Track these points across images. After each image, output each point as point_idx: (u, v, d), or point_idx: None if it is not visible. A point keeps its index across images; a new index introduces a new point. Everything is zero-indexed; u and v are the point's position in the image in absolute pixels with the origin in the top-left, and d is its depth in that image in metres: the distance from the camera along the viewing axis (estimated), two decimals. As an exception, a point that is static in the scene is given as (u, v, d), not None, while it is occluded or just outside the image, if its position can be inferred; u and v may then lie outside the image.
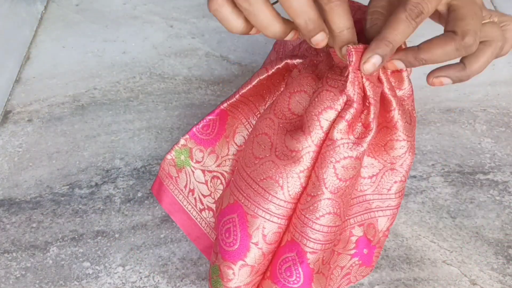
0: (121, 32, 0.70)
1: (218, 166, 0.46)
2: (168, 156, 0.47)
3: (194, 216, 0.48)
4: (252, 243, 0.40)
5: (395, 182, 0.42)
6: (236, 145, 0.45)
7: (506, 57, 0.66)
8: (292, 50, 0.46)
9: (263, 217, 0.40)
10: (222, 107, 0.44)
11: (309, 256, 0.39)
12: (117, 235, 0.50)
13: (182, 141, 0.46)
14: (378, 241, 0.44)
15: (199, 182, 0.47)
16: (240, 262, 0.41)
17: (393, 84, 0.40)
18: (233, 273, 0.41)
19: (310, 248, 0.38)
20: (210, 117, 0.45)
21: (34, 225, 0.51)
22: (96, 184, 0.54)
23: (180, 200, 0.48)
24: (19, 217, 0.52)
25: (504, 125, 0.59)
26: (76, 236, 0.50)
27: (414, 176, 0.55)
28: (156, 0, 0.75)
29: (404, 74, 0.40)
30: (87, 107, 0.62)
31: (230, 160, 0.46)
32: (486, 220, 0.51)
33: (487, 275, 0.47)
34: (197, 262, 0.49)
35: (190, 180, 0.47)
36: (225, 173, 0.46)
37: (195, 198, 0.48)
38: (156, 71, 0.66)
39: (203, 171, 0.47)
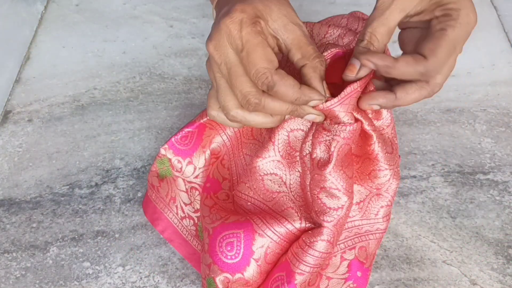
0: (121, 32, 0.70)
1: (196, 177, 0.48)
2: (153, 168, 0.48)
3: (176, 224, 0.49)
4: (253, 258, 0.41)
5: (382, 206, 0.43)
6: (210, 152, 0.47)
7: (506, 57, 0.66)
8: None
9: (271, 238, 0.41)
10: (202, 121, 0.46)
11: (297, 277, 0.40)
12: (117, 235, 0.50)
13: (162, 151, 0.48)
14: (370, 264, 0.45)
15: (180, 190, 0.48)
16: (238, 275, 0.41)
17: (370, 116, 0.41)
18: (228, 282, 0.42)
19: (300, 269, 0.39)
20: (188, 129, 0.46)
21: (34, 225, 0.51)
22: (96, 184, 0.54)
23: (161, 208, 0.49)
24: (19, 217, 0.52)
25: (504, 125, 0.59)
26: (76, 236, 0.50)
27: (414, 176, 0.55)
28: (156, 0, 0.75)
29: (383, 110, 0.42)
30: (87, 107, 0.62)
31: (207, 172, 0.47)
32: (486, 220, 0.51)
33: (487, 275, 0.47)
34: (197, 262, 0.49)
35: (171, 189, 0.48)
36: (202, 184, 0.47)
37: (176, 206, 0.48)
38: (156, 71, 0.66)
39: (183, 180, 0.48)
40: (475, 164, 0.56)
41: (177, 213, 0.48)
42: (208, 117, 0.45)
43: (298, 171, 0.42)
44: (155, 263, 0.48)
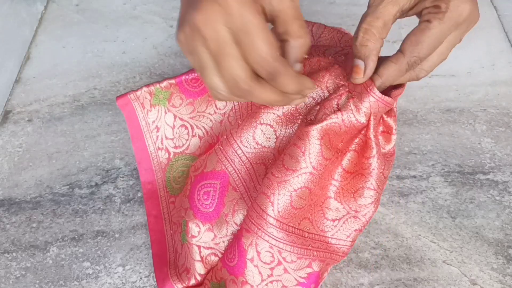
0: (121, 32, 0.70)
1: (191, 118, 0.48)
2: (145, 89, 0.48)
3: (150, 151, 0.50)
4: (223, 212, 0.43)
5: (355, 230, 0.43)
6: (216, 107, 0.47)
7: (506, 57, 0.66)
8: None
9: (241, 193, 0.43)
10: None
11: (244, 233, 0.40)
12: (117, 235, 0.50)
13: (165, 83, 0.48)
14: (318, 284, 0.44)
15: (167, 124, 0.49)
16: (207, 225, 0.44)
17: (381, 140, 0.41)
18: (198, 232, 0.44)
19: (249, 228, 0.40)
20: None
21: (34, 225, 0.51)
22: (96, 184, 0.54)
23: (144, 132, 0.50)
24: (19, 217, 0.52)
25: (504, 125, 0.59)
26: (76, 236, 0.50)
27: (414, 176, 0.55)
28: (156, 0, 0.75)
29: (393, 137, 0.42)
30: (87, 107, 0.62)
31: (205, 118, 0.48)
32: (486, 220, 0.51)
33: (487, 275, 0.47)
34: (197, 262, 0.49)
35: (160, 119, 0.49)
36: (194, 126, 0.48)
37: (157, 136, 0.50)
38: (156, 71, 0.66)
39: (175, 116, 0.49)
40: (475, 164, 0.56)
41: (155, 142, 0.50)
42: None
43: (294, 129, 0.42)
44: (155, 263, 0.49)
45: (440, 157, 0.56)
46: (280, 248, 0.40)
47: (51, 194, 0.54)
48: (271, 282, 0.41)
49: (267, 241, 0.40)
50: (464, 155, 0.57)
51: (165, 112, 0.49)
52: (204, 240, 0.44)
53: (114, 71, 0.66)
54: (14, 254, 0.49)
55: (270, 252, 0.40)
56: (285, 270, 0.41)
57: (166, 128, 0.49)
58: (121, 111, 0.61)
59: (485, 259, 0.49)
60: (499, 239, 0.50)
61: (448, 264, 0.48)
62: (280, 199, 0.39)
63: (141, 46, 0.69)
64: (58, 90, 0.64)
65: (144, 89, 0.49)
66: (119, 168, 0.56)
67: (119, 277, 0.48)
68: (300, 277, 0.41)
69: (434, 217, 0.52)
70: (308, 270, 0.41)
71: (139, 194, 0.53)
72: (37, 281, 0.47)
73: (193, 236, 0.44)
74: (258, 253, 0.40)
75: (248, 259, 0.40)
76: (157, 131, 0.50)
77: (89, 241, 0.50)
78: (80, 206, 0.53)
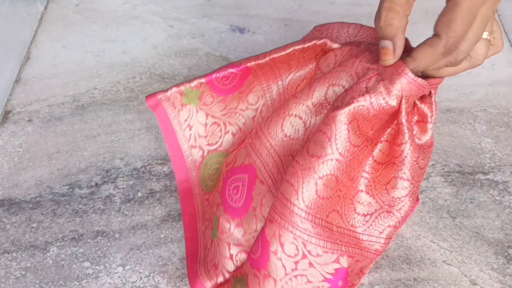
0: (121, 32, 0.70)
1: (223, 115, 0.48)
2: (175, 89, 0.48)
3: (184, 149, 0.49)
4: (252, 207, 0.42)
5: (389, 226, 0.41)
6: (248, 103, 0.46)
7: (506, 57, 0.66)
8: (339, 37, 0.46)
9: (268, 186, 0.42)
10: (248, 64, 0.45)
11: (268, 224, 0.39)
12: (117, 235, 0.50)
13: (195, 83, 0.47)
14: (352, 283, 0.43)
15: (199, 122, 0.48)
16: (237, 220, 0.43)
17: (416, 131, 0.40)
18: (229, 228, 0.43)
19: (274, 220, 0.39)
20: (232, 70, 0.46)
21: (34, 225, 0.51)
22: (96, 184, 0.54)
23: (176, 131, 0.49)
24: (19, 217, 0.52)
25: (504, 125, 0.59)
26: (76, 236, 0.50)
27: (414, 176, 0.55)
28: (156, 0, 0.75)
29: (429, 125, 0.40)
30: (87, 107, 0.62)
31: (237, 114, 0.47)
32: (486, 220, 0.51)
33: (487, 275, 0.47)
34: (197, 262, 0.49)
35: (191, 117, 0.48)
36: (227, 123, 0.48)
37: (190, 134, 0.49)
38: (156, 71, 0.66)
39: (206, 114, 0.48)
40: (475, 164, 0.56)
41: (188, 139, 0.49)
42: (258, 61, 0.44)
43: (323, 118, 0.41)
44: (155, 263, 0.49)
45: (440, 157, 0.56)
46: (304, 240, 0.38)
47: (51, 194, 0.54)
48: (295, 276, 0.39)
49: (291, 232, 0.38)
50: (464, 155, 0.57)
51: (197, 111, 0.48)
52: (235, 237, 0.43)
53: (114, 71, 0.66)
54: (14, 254, 0.49)
55: (294, 244, 0.38)
56: (311, 264, 0.39)
57: (199, 126, 0.49)
58: (120, 111, 0.61)
59: (485, 259, 0.49)
60: (499, 239, 0.50)
61: (448, 264, 0.48)
62: (305, 187, 0.37)
63: (141, 46, 0.69)
64: (58, 90, 0.64)
65: (174, 89, 0.48)
66: (119, 168, 0.56)
67: (119, 277, 0.48)
68: (327, 272, 0.40)
69: (434, 217, 0.52)
70: (336, 265, 0.40)
71: (139, 194, 0.53)
72: (37, 281, 0.47)
73: (224, 232, 0.43)
74: (282, 244, 0.39)
75: (271, 251, 0.39)
76: (190, 130, 0.49)
77: (89, 241, 0.50)
78: (80, 206, 0.53)
